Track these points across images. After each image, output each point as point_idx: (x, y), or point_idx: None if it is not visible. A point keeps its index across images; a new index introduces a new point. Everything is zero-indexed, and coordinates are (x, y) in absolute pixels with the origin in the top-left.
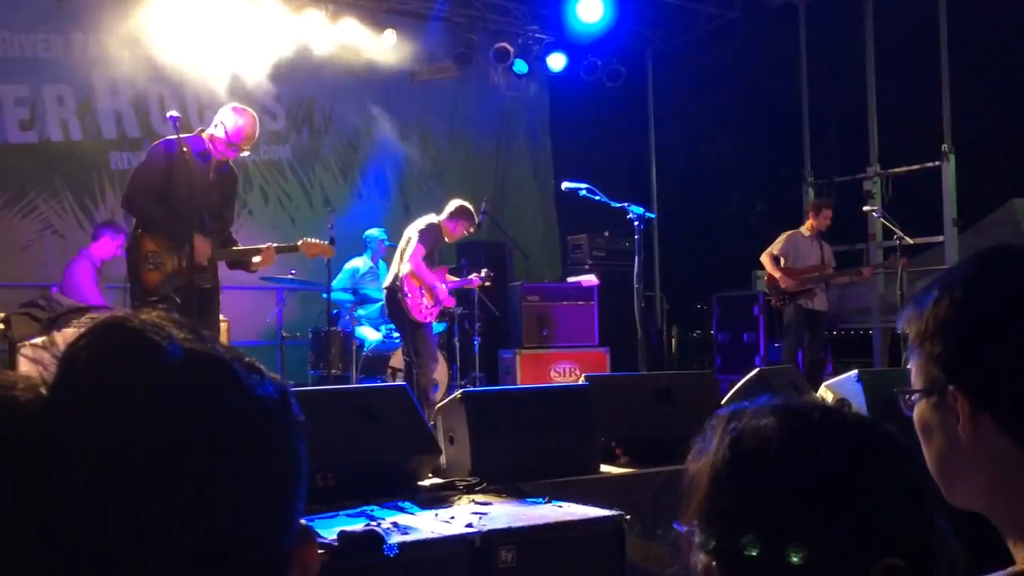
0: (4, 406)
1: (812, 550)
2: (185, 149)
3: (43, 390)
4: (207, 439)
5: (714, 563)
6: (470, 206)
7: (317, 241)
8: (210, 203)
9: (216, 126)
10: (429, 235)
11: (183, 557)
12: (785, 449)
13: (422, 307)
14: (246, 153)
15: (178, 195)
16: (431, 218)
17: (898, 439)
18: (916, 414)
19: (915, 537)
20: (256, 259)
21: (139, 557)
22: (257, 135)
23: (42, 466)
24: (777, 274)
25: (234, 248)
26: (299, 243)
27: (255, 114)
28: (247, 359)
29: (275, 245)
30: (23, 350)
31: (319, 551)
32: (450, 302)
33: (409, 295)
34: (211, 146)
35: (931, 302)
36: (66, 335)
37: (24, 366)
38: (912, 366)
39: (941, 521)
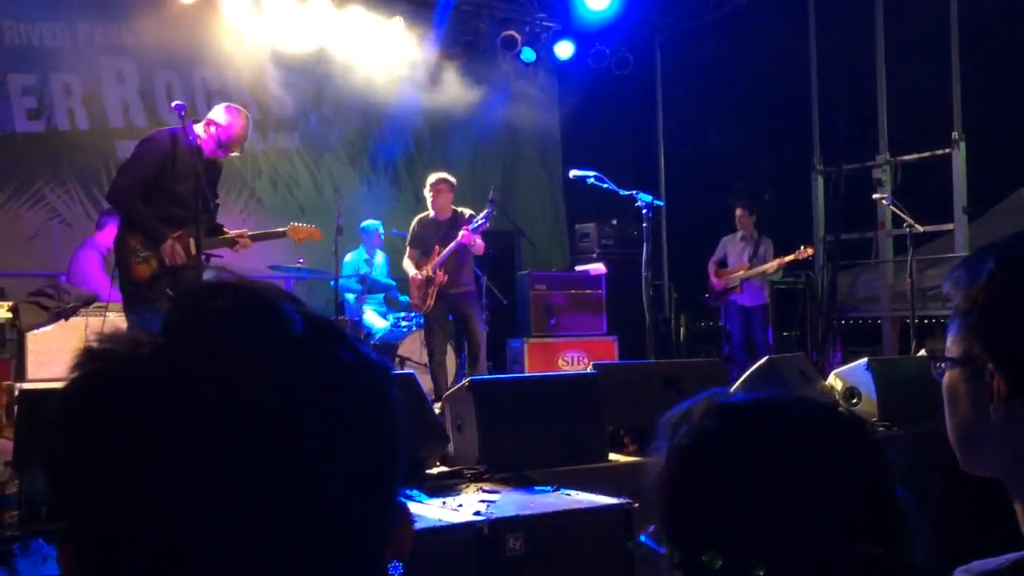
0: (127, 360)
1: (774, 552)
2: (181, 140)
3: (162, 341)
4: (333, 404)
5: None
6: (434, 175)
7: (304, 225)
8: (204, 194)
9: (208, 123)
10: (411, 235)
11: (302, 527)
12: (730, 452)
13: (417, 302)
14: (236, 154)
15: (181, 186)
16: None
17: (847, 420)
18: (946, 380)
19: (885, 520)
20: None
21: (256, 521)
22: (248, 136)
23: (167, 416)
24: (712, 277)
25: (213, 239)
26: (287, 228)
27: (248, 114)
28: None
29: (250, 233)
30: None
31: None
32: (439, 278)
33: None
34: (201, 141)
35: (986, 274)
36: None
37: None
38: (952, 333)
39: (900, 490)
